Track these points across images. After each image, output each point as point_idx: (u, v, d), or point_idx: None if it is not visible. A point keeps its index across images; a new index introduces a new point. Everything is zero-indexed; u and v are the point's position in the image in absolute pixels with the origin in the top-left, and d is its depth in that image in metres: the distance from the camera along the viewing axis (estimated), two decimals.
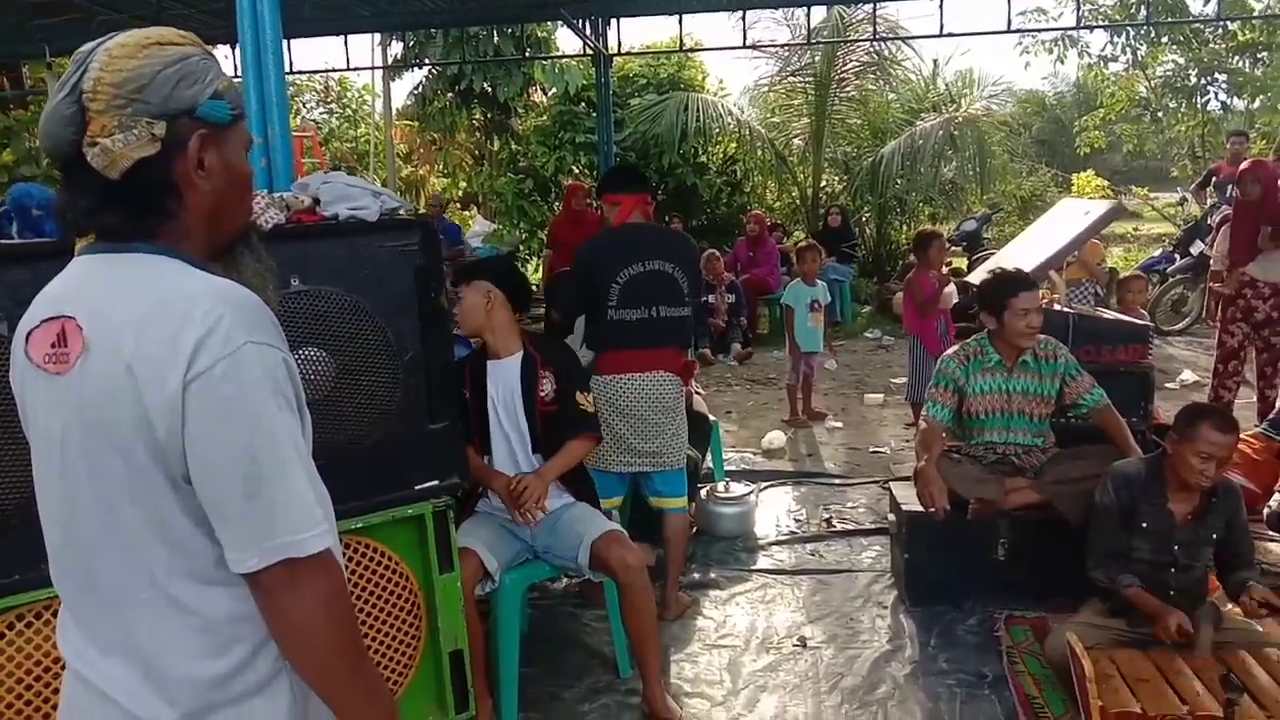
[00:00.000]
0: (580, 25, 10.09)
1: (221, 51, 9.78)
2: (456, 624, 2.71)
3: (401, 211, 2.63)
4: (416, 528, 2.64)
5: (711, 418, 5.04)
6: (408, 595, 2.64)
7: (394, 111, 18.73)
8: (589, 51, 10.87)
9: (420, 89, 16.82)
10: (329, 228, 2.53)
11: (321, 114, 21.66)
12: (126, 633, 1.20)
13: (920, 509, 3.74)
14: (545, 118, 15.23)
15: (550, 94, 15.52)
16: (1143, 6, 15.10)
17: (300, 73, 14.63)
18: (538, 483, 3.09)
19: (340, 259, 2.51)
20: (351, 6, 8.85)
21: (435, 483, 2.65)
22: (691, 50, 13.70)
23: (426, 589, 2.67)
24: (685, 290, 3.71)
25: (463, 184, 18.34)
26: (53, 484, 1.22)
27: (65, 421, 1.18)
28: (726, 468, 5.45)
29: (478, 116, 16.93)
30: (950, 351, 4.01)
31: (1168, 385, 7.26)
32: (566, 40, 15.48)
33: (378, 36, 15.45)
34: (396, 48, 16.15)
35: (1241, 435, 3.47)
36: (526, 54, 13.87)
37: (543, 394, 3.18)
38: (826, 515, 4.92)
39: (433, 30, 14.00)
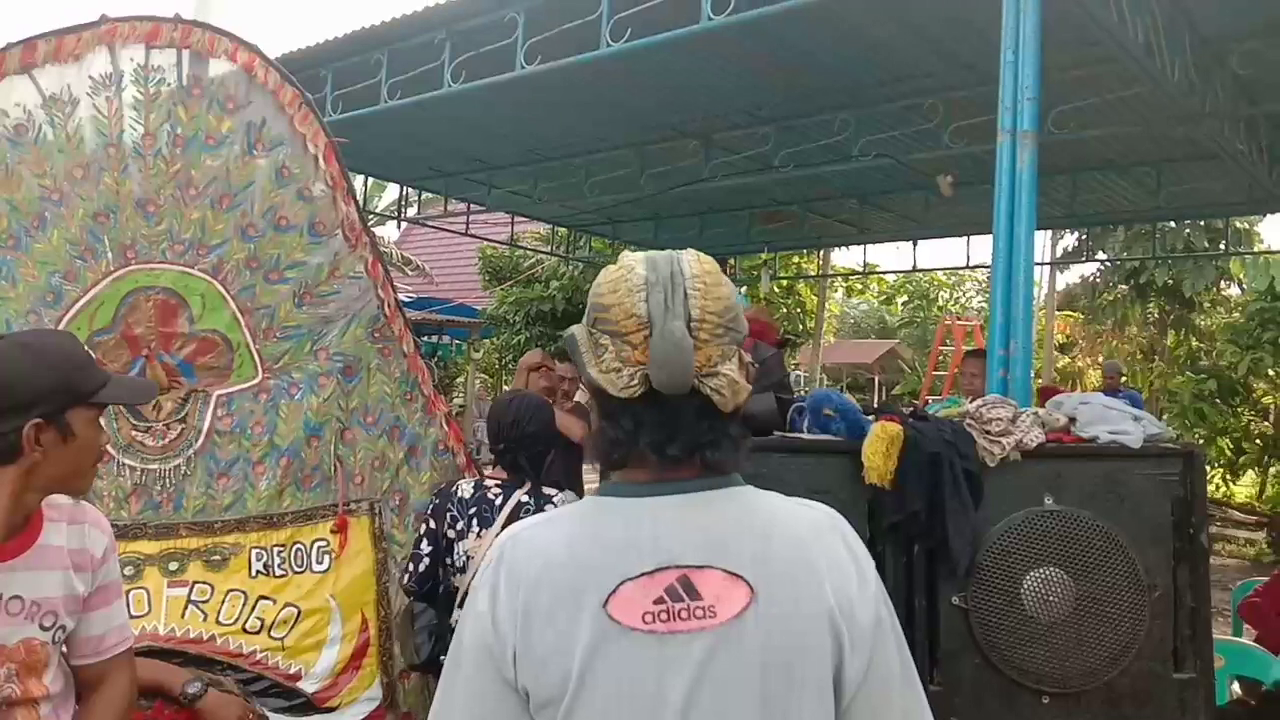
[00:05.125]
0: None
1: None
2: None
3: (1165, 439, 2.52)
4: None
5: None
6: None
7: (1054, 300, 18.41)
8: None
9: (1091, 279, 16.32)
10: (1088, 449, 2.51)
11: (980, 303, 22.17)
12: None
13: None
14: (1238, 314, 13.68)
15: (1248, 289, 13.93)
16: None
17: (976, 267, 14.93)
18: None
19: (1095, 482, 2.48)
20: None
21: None
22: None
23: None
24: None
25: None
26: None
27: (729, 672, 1.10)
28: None
29: (1152, 309, 15.84)
30: None
31: None
32: (1273, 232, 13.85)
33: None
34: (1069, 239, 15.93)
35: None
36: (1224, 248, 12.65)
37: None
38: None
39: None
